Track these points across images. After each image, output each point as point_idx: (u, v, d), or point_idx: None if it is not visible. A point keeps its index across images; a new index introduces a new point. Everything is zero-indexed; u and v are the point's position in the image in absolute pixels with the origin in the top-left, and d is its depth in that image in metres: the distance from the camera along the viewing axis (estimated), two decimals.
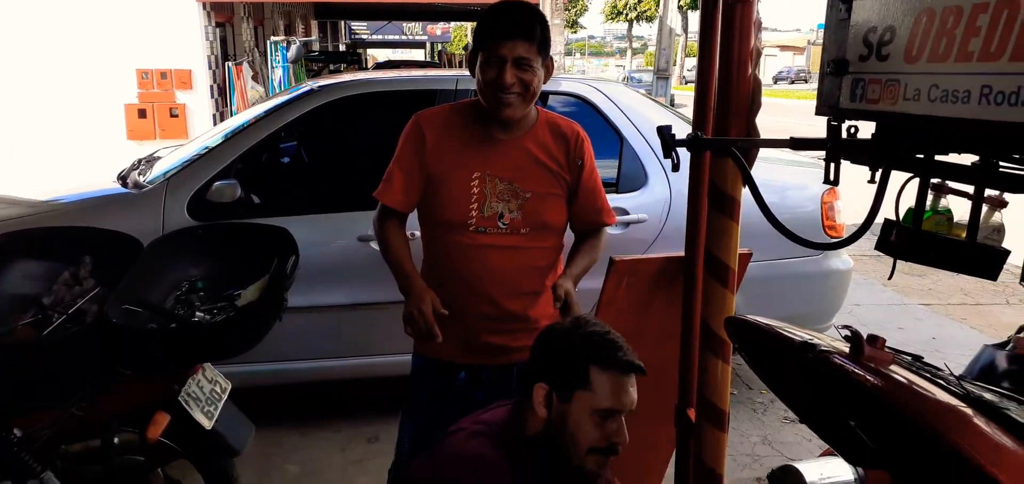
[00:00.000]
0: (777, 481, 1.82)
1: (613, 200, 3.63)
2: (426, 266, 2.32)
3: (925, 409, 0.87)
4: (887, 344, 1.08)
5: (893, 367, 1.03)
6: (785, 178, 3.95)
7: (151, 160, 4.04)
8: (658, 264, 2.36)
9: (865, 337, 1.04)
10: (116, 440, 2.49)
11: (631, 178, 3.70)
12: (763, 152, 4.11)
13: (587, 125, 2.96)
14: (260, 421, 2.68)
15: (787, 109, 27.23)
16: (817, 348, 1.07)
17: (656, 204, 3.67)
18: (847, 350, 1.04)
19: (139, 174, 3.72)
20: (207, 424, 2.37)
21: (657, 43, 15.72)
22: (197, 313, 2.35)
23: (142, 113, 9.04)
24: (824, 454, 1.89)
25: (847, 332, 1.05)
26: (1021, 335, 1.59)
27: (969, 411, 0.89)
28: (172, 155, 3.93)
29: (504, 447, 1.61)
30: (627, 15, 42.24)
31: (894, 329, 5.16)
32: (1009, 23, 1.09)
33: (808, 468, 1.79)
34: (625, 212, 3.64)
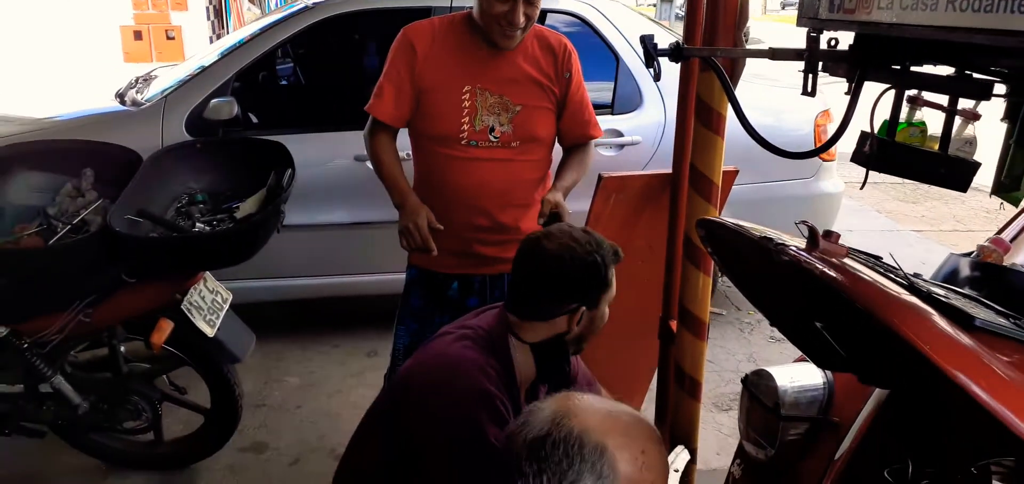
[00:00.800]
0: (751, 384, 1.92)
1: (607, 121, 3.67)
2: (418, 180, 2.36)
3: (868, 293, 0.93)
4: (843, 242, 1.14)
5: (846, 260, 1.10)
6: (783, 101, 3.97)
7: (148, 79, 4.05)
8: (645, 180, 2.42)
9: (821, 232, 1.10)
10: (123, 348, 2.59)
11: (626, 99, 3.72)
12: (767, 74, 4.14)
13: (582, 44, 2.98)
14: (261, 336, 2.78)
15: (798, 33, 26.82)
16: (775, 241, 1.13)
17: (651, 126, 3.70)
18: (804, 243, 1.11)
19: (137, 92, 3.75)
20: (210, 332, 2.46)
21: None
22: (197, 224, 2.41)
23: (138, 35, 8.98)
24: (797, 361, 1.98)
25: (805, 228, 1.12)
26: (985, 245, 1.66)
27: (911, 298, 0.96)
28: (169, 74, 3.95)
29: (490, 350, 1.67)
30: None
31: (884, 254, 5.23)
32: None
33: (780, 372, 1.88)
34: (619, 134, 3.67)
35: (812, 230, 1.10)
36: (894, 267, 1.17)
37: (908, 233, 5.91)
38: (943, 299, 1.05)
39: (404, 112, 2.25)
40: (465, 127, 2.21)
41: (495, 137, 2.23)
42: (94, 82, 4.36)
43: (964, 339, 0.90)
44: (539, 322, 1.68)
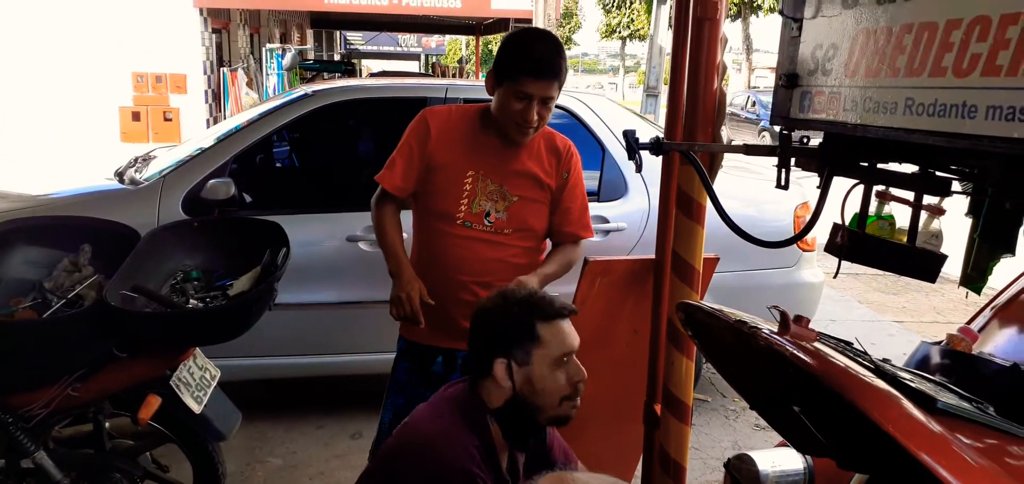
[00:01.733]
0: (733, 468, 1.94)
1: (594, 208, 3.76)
2: (415, 252, 2.50)
3: (835, 374, 0.99)
4: (814, 327, 1.20)
5: (817, 344, 1.16)
6: (764, 192, 4.09)
7: (147, 159, 4.14)
8: (629, 265, 2.49)
9: (792, 316, 1.17)
10: (107, 424, 2.59)
11: (612, 187, 3.83)
12: (750, 167, 4.27)
13: (570, 135, 3.12)
14: (246, 415, 2.79)
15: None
16: (748, 324, 1.19)
17: (635, 214, 3.81)
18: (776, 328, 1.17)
19: (135, 172, 3.83)
20: (196, 408, 2.47)
21: (648, 61, 15.93)
22: (191, 300, 2.45)
23: (136, 116, 9.15)
24: (779, 446, 2.02)
25: (777, 312, 1.18)
26: (954, 334, 1.72)
27: (876, 381, 1.02)
28: (168, 154, 4.04)
29: (469, 425, 1.69)
30: (620, 34, 42.68)
31: (867, 344, 5.29)
32: (928, 44, 1.22)
33: (761, 457, 1.91)
34: (605, 220, 3.77)
35: (783, 315, 1.16)
36: (862, 352, 1.23)
37: (889, 324, 5.99)
38: (908, 383, 1.11)
39: (410, 186, 2.40)
40: (463, 207, 2.35)
41: (490, 222, 2.38)
42: (91, 161, 4.44)
43: (927, 421, 0.95)
44: (484, 379, 1.73)
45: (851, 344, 1.29)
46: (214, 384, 2.59)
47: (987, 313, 1.99)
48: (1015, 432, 1.08)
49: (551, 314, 1.72)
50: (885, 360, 1.20)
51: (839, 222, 1.69)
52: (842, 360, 1.08)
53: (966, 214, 1.87)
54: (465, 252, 2.36)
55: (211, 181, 3.23)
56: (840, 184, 1.67)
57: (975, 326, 1.82)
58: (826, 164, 1.49)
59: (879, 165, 1.59)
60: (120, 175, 3.85)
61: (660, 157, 2.12)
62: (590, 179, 3.80)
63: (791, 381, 1.37)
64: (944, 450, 0.91)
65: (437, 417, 1.70)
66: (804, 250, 3.99)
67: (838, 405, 1.30)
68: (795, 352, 1.05)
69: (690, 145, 1.71)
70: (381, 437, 2.50)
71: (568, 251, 2.50)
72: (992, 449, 1.02)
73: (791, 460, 1.92)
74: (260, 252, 2.63)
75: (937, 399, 1.01)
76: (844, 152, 1.51)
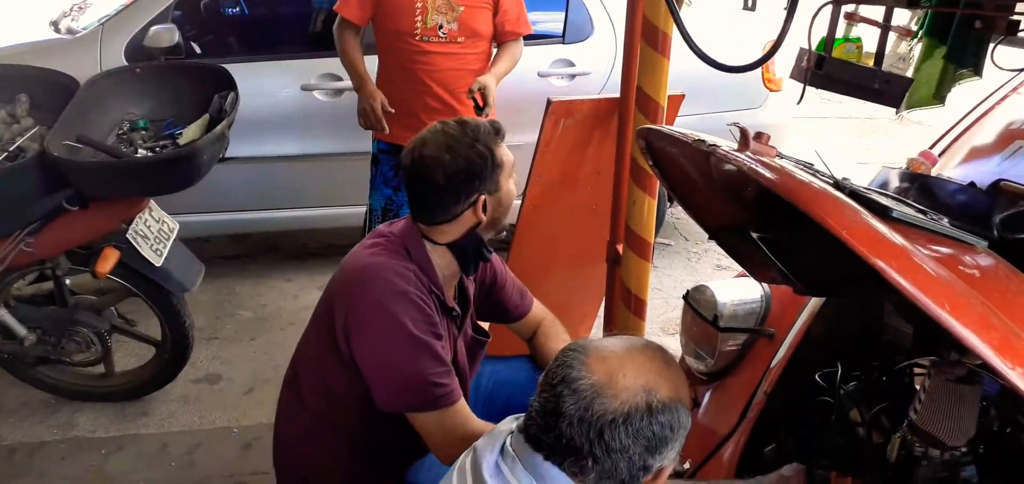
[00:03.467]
0: (692, 299, 1.98)
1: (558, 52, 3.67)
2: (381, 72, 2.84)
3: (792, 186, 0.97)
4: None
5: (776, 159, 1.14)
6: (731, 31, 4.00)
7: (82, 7, 3.89)
8: (593, 105, 2.44)
9: (752, 134, 1.14)
10: (68, 281, 2.55)
11: (577, 28, 3.71)
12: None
13: None
14: (211, 271, 2.80)
15: None
16: (707, 142, 1.17)
17: (601, 57, 3.71)
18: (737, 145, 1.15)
19: (71, 21, 3.61)
20: (157, 261, 2.43)
21: None
22: (140, 150, 2.37)
23: None
24: (738, 277, 2.05)
25: (737, 130, 1.16)
26: (914, 158, 1.73)
27: (834, 192, 1.01)
28: (106, 2, 3.80)
29: (407, 255, 1.67)
30: None
31: (815, 158, 5.37)
32: None
33: (719, 287, 1.95)
34: (571, 64, 3.68)
35: (743, 131, 1.14)
36: (821, 170, 1.22)
37: (853, 164, 6.07)
38: (864, 195, 1.10)
39: (367, 13, 2.72)
40: (418, 24, 2.67)
41: (443, 33, 2.70)
42: (24, 11, 4.17)
43: (881, 227, 0.95)
44: (447, 224, 1.69)
45: (811, 164, 1.28)
46: (173, 237, 2.55)
47: (948, 139, 2.00)
48: (968, 241, 1.10)
49: (498, 132, 1.70)
50: (845, 179, 1.19)
51: (805, 47, 1.64)
52: (801, 174, 1.06)
53: (925, 36, 1.84)
54: (426, 64, 2.71)
55: (154, 28, 3.05)
56: (806, 7, 1.61)
57: (935, 151, 1.83)
58: None
59: None
60: (55, 25, 3.63)
61: None
62: (554, 20, 3.70)
63: (749, 200, 1.37)
64: (897, 255, 0.91)
65: (375, 247, 1.69)
66: (770, 89, 3.95)
67: (795, 219, 1.31)
68: (754, 166, 1.03)
69: None
70: (372, 222, 2.92)
71: (512, 48, 2.86)
72: (945, 257, 1.03)
73: (749, 289, 1.96)
74: (208, 99, 2.52)
75: (892, 209, 1.01)
76: None
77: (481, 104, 2.68)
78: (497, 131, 1.70)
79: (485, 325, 2.02)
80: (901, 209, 1.05)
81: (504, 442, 1.11)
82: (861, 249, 0.86)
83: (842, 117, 7.20)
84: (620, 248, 2.43)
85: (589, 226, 2.62)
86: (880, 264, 0.87)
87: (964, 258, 1.06)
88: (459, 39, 2.72)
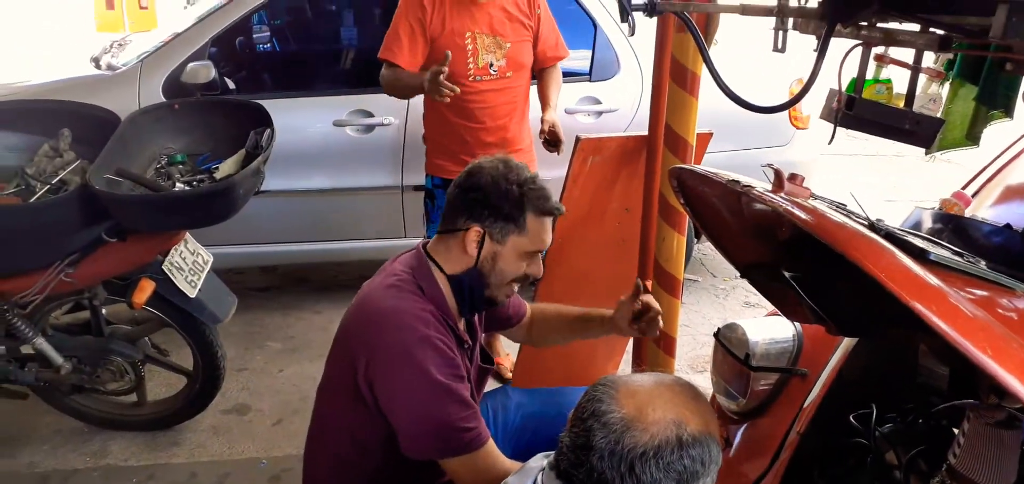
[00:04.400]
0: (723, 337, 1.97)
1: (586, 89, 3.71)
2: (431, 109, 2.87)
3: (827, 227, 0.98)
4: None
5: (810, 200, 1.15)
6: (758, 71, 4.01)
7: (123, 45, 4.01)
8: (621, 142, 2.46)
9: (786, 175, 1.15)
10: (104, 310, 2.60)
11: (604, 66, 3.75)
12: (742, 47, 4.18)
13: (561, 12, 3.06)
14: (242, 304, 2.82)
15: None
16: (742, 183, 1.18)
17: (628, 95, 3.74)
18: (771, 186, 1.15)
19: (112, 57, 3.72)
20: (191, 293, 2.47)
21: None
22: (177, 184, 2.42)
23: (110, 3, 8.83)
24: (770, 315, 2.04)
25: (771, 171, 1.16)
26: (948, 199, 1.72)
27: (870, 233, 1.01)
28: (145, 39, 3.91)
29: (421, 293, 1.66)
30: None
31: (849, 200, 5.33)
32: None
33: (751, 325, 1.93)
34: (598, 101, 3.71)
35: (777, 172, 1.15)
36: (856, 211, 1.22)
37: (882, 201, 6.02)
38: (901, 237, 1.11)
39: (419, 60, 2.73)
40: (471, 67, 2.73)
41: (494, 70, 2.78)
42: (66, 52, 4.29)
43: (919, 270, 0.95)
44: (448, 236, 1.69)
45: (845, 205, 1.28)
46: (207, 269, 2.59)
47: (981, 179, 1.98)
48: (1006, 283, 1.09)
49: (545, 210, 1.67)
50: (879, 220, 1.19)
51: (835, 88, 1.65)
52: (836, 215, 1.07)
53: (955, 78, 1.84)
54: (479, 103, 2.77)
55: (191, 65, 3.13)
56: (835, 49, 1.62)
57: (969, 191, 1.82)
58: (826, 21, 1.44)
59: (879, 23, 1.54)
60: (96, 61, 3.74)
61: (654, 20, 2.06)
62: (581, 59, 3.74)
63: (783, 241, 1.37)
64: (936, 298, 0.91)
65: (391, 288, 1.66)
66: (797, 127, 3.95)
67: (829, 260, 1.31)
68: (789, 207, 1.04)
69: (685, 5, 1.65)
70: None
71: (556, 74, 2.96)
72: (984, 300, 1.02)
73: (781, 328, 1.95)
74: (244, 135, 2.58)
75: (929, 251, 1.01)
76: (844, 8, 1.46)
77: (553, 141, 2.74)
78: (546, 209, 1.67)
79: (491, 351, 2.03)
80: (938, 251, 1.05)
81: (536, 479, 1.11)
82: (900, 292, 0.86)
83: (870, 155, 7.16)
84: (649, 284, 2.43)
85: (617, 262, 2.63)
86: (919, 307, 0.87)
87: (1002, 301, 1.06)
88: (508, 74, 2.79)
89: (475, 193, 1.66)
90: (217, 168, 2.50)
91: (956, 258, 1.09)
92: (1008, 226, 1.31)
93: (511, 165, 1.68)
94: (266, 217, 3.50)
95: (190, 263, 2.52)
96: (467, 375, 1.73)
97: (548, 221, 1.69)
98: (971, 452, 1.27)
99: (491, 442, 1.63)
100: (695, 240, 4.21)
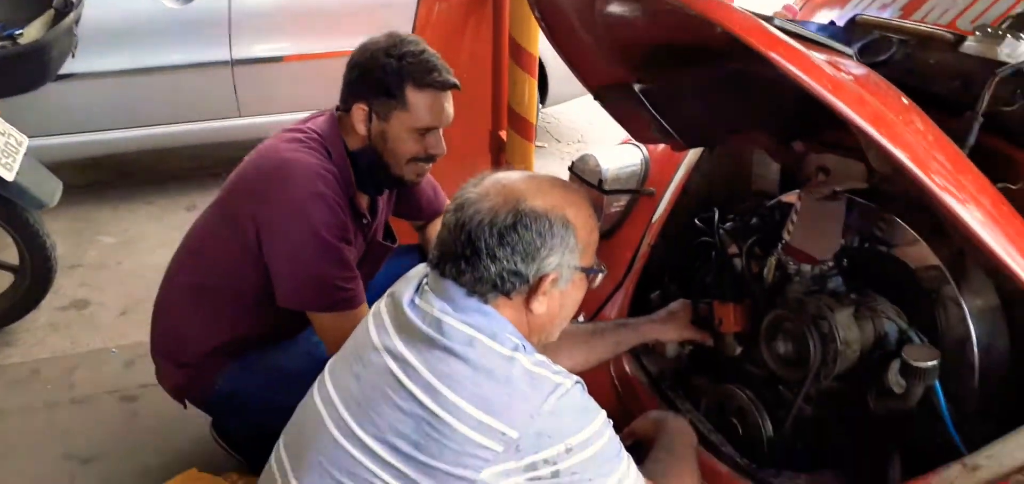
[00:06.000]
0: (577, 168, 2.07)
1: None
2: None
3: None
4: None
5: None
6: None
7: None
8: None
9: None
10: None
11: None
12: None
13: None
14: (68, 198, 2.60)
15: None
16: None
17: None
18: None
19: None
20: (8, 176, 2.24)
21: None
22: None
23: None
24: (623, 143, 2.15)
25: None
26: (778, 10, 1.85)
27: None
28: None
29: (326, 155, 1.65)
30: None
31: None
32: None
33: (602, 153, 2.04)
34: None
35: None
36: None
37: None
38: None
39: None
40: None
41: None
42: None
43: (771, 28, 1.01)
44: (344, 115, 1.69)
45: None
46: (23, 150, 2.34)
47: None
48: (842, 50, 1.22)
49: (427, 83, 1.63)
50: None
51: None
52: None
53: None
54: None
55: None
56: None
57: (796, 5, 1.97)
58: None
59: None
60: None
61: None
62: None
63: (633, 53, 1.44)
64: (783, 47, 0.96)
65: (296, 143, 1.64)
66: None
67: (679, 62, 1.39)
68: None
69: None
70: None
71: None
72: (826, 58, 1.12)
73: (629, 155, 2.07)
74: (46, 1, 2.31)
75: (773, 18, 1.09)
76: None
77: None
78: (426, 81, 1.60)
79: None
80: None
81: (420, 281, 1.14)
82: (751, 40, 0.93)
83: None
84: (503, 134, 2.48)
85: (469, 117, 2.64)
86: (772, 55, 0.93)
87: (839, 60, 1.17)
88: None
89: (356, 70, 1.64)
90: (20, 34, 2.23)
91: (797, 26, 1.20)
92: (832, 22, 1.45)
93: (396, 38, 1.64)
94: (80, 103, 3.21)
95: (2, 145, 2.27)
96: (358, 246, 1.75)
97: (435, 94, 1.64)
98: (802, 227, 1.44)
99: (364, 306, 1.65)
100: (540, 105, 4.30)
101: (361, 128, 1.66)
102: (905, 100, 1.14)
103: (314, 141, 1.66)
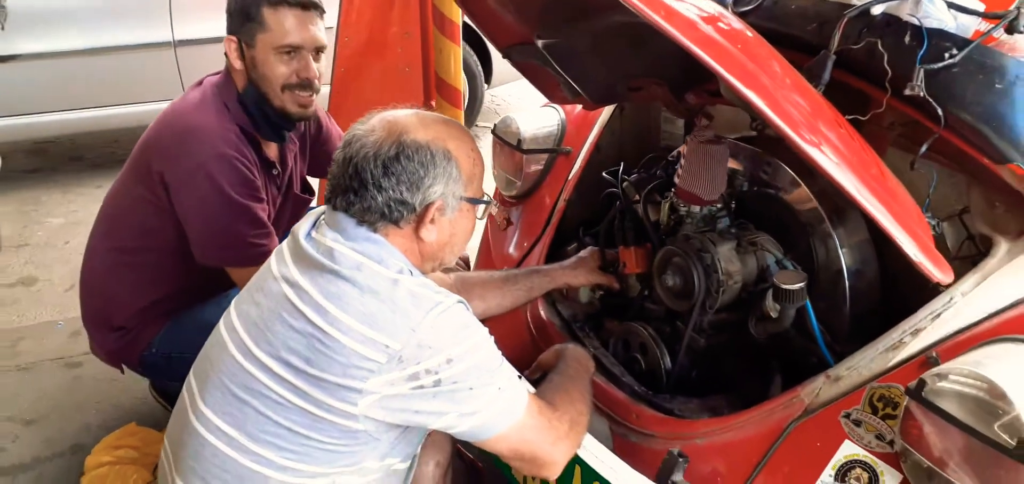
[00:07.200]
0: (499, 131, 2.16)
1: None
2: None
3: None
4: None
5: None
6: None
7: None
8: None
9: None
10: None
11: None
12: None
13: None
14: (12, 182, 2.62)
15: None
16: None
17: None
18: None
19: None
20: None
21: None
22: None
23: None
24: (544, 106, 2.25)
25: None
26: None
27: None
28: None
29: (226, 113, 1.72)
30: None
31: None
32: None
33: (521, 117, 2.14)
34: None
35: None
36: None
37: None
38: None
39: None
40: None
41: None
42: None
43: None
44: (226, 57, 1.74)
45: None
46: None
47: None
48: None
49: (279, 1, 1.69)
50: None
51: None
52: None
53: None
54: None
55: None
56: None
57: None
58: None
59: None
60: None
61: None
62: None
63: (535, 11, 1.53)
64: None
65: (196, 103, 1.71)
66: None
67: (576, 13, 1.48)
68: None
69: None
70: None
71: None
72: (698, 9, 1.21)
73: (547, 117, 2.17)
74: None
75: None
76: None
77: None
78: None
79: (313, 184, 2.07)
80: None
81: (318, 217, 1.22)
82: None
83: None
84: (434, 102, 2.57)
85: (404, 90, 2.72)
86: (636, 3, 1.02)
87: (707, 10, 1.26)
88: None
89: (227, 8, 1.70)
90: None
91: None
92: None
93: None
94: (23, 84, 3.22)
95: None
96: (271, 198, 1.80)
97: (289, 10, 1.69)
98: (689, 170, 1.55)
99: None
100: (485, 85, 4.38)
101: (237, 62, 1.71)
102: (765, 47, 1.25)
103: (213, 97, 1.73)
